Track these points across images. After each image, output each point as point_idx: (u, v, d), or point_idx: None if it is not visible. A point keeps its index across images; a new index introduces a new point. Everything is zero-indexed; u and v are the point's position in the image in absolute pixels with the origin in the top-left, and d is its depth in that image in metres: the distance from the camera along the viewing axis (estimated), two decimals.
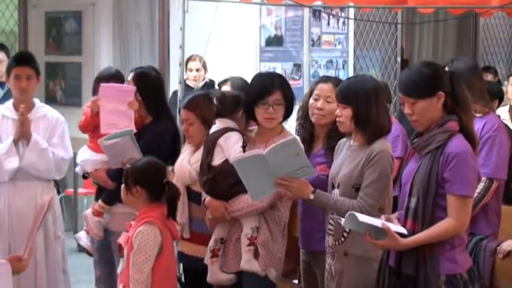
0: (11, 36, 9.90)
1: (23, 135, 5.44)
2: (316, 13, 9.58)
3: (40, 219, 3.86)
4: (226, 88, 5.52)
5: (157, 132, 5.22)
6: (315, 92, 4.71)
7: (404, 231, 3.76)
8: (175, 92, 7.79)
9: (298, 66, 9.58)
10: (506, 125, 5.16)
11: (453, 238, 3.75)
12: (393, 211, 4.15)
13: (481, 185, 4.59)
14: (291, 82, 5.36)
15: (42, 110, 5.66)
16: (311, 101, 4.71)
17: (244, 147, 4.71)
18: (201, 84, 8.59)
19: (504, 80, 9.41)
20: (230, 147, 4.70)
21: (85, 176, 5.57)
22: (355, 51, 10.23)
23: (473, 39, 11.81)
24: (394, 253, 3.85)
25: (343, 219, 3.85)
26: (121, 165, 4.89)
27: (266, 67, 9.23)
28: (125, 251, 4.48)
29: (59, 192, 6.16)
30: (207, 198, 4.79)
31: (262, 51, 9.30)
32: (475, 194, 4.32)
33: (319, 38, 9.77)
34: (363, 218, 3.77)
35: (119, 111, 5.20)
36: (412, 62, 10.68)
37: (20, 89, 5.52)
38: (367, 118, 4.18)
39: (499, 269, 4.57)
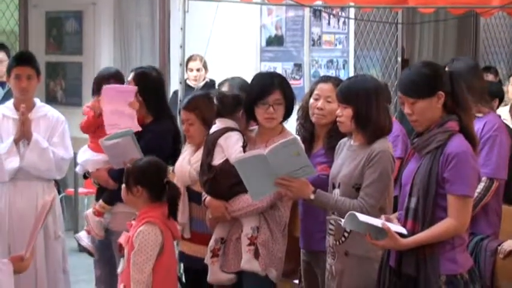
0: (11, 36, 9.90)
1: (23, 135, 5.44)
2: (316, 13, 9.58)
3: (42, 219, 3.87)
4: (224, 89, 5.51)
5: (158, 132, 5.22)
6: (315, 92, 4.72)
7: (404, 231, 3.76)
8: (175, 92, 7.79)
9: (298, 66, 9.59)
10: (506, 125, 5.16)
11: (453, 238, 3.75)
12: (394, 211, 4.15)
13: (481, 185, 4.59)
14: (291, 82, 5.36)
15: (42, 110, 5.66)
16: (311, 100, 4.71)
17: (244, 147, 4.71)
18: (202, 84, 8.59)
19: (505, 80, 9.41)
20: (230, 147, 4.70)
21: (86, 176, 5.57)
22: (355, 51, 10.23)
23: (474, 39, 11.81)
24: (395, 253, 3.84)
25: (343, 220, 3.85)
26: (122, 165, 4.89)
27: (266, 67, 9.23)
28: (126, 251, 4.48)
29: (59, 192, 6.16)
30: (207, 198, 4.79)
31: (262, 51, 9.31)
32: (476, 194, 4.32)
33: (320, 37, 9.77)
34: (363, 218, 3.77)
35: (121, 112, 5.21)
36: (412, 62, 10.67)
37: (21, 88, 5.52)
38: (367, 118, 4.18)
39: (500, 269, 4.57)
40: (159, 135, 5.21)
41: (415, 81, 3.82)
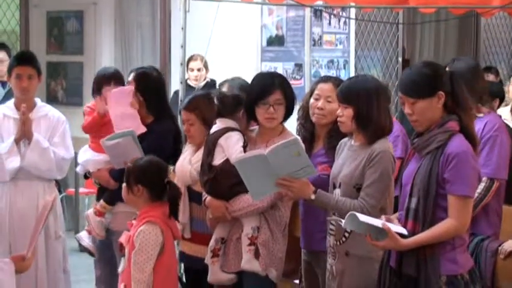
0: (12, 36, 9.90)
1: (24, 134, 5.44)
2: (317, 13, 9.58)
3: (43, 219, 3.87)
4: (224, 90, 5.51)
5: (159, 132, 5.22)
6: (316, 92, 4.72)
7: (404, 231, 3.76)
8: (176, 92, 7.79)
9: (299, 66, 9.59)
10: (507, 125, 5.15)
11: (454, 238, 3.74)
12: (394, 211, 4.15)
13: (482, 185, 4.59)
14: (292, 82, 5.38)
15: (43, 110, 5.66)
16: (312, 100, 4.71)
17: (245, 147, 4.71)
18: (202, 84, 8.59)
19: (506, 80, 9.40)
20: (231, 147, 4.70)
21: (86, 176, 5.58)
22: (356, 51, 10.22)
23: (475, 39, 11.80)
24: (395, 253, 3.84)
25: (343, 221, 3.85)
26: (123, 165, 4.89)
27: (267, 67, 9.23)
28: (126, 250, 4.48)
29: (60, 192, 6.17)
30: (207, 198, 4.79)
31: (263, 51, 9.30)
32: (476, 194, 4.32)
33: (321, 37, 9.77)
34: (363, 218, 3.77)
35: (127, 115, 5.22)
36: (413, 62, 10.66)
37: (22, 88, 5.52)
38: (368, 118, 4.17)
39: (501, 270, 4.56)
40: (160, 135, 5.22)
41: (415, 81, 3.82)
